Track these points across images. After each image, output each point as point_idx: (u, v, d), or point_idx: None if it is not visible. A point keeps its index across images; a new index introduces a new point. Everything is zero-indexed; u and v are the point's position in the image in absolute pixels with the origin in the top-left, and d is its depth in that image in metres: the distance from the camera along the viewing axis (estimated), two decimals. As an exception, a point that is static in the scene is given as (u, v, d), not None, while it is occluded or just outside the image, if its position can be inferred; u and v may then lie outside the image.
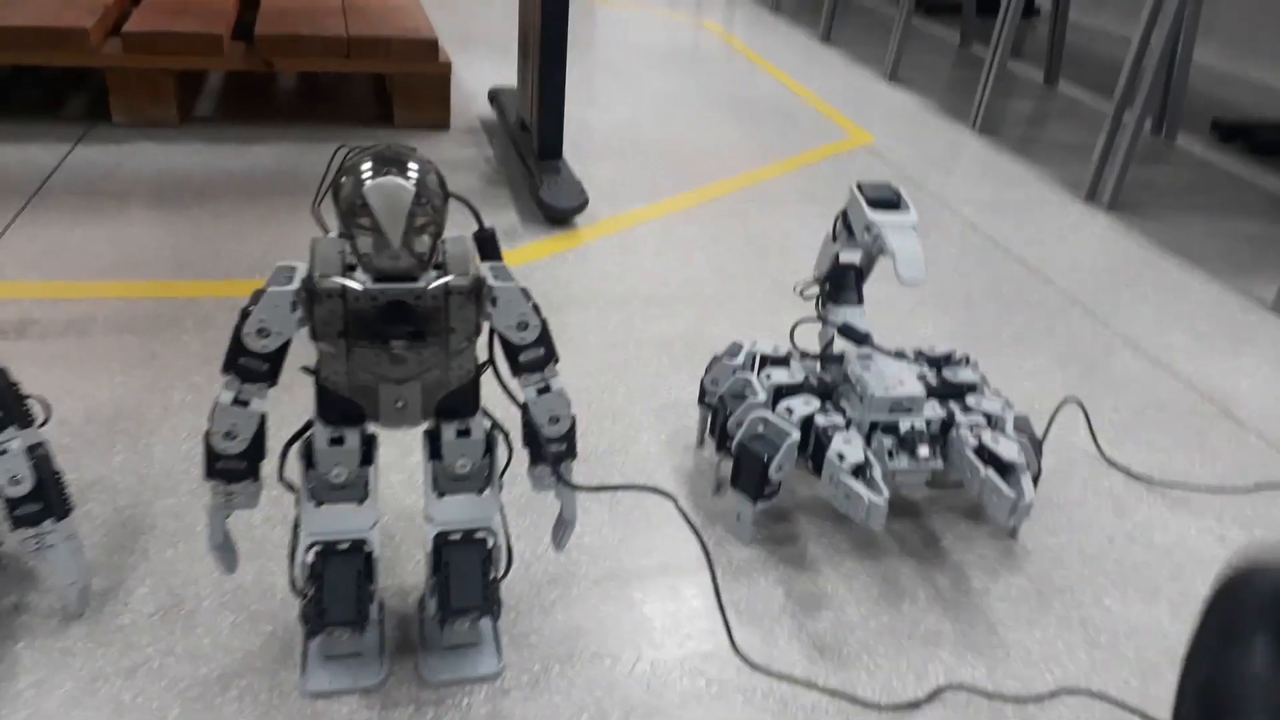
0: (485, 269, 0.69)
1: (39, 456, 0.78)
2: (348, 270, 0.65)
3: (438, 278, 0.66)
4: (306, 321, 0.66)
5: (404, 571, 0.91)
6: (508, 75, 2.23)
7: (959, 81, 2.88)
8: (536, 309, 0.70)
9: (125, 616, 0.83)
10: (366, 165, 0.61)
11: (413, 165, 0.62)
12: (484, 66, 2.48)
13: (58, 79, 2.04)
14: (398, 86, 1.97)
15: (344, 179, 0.61)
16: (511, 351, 0.71)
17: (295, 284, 0.64)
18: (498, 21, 2.92)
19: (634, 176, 1.89)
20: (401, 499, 1.00)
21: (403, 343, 0.66)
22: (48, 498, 0.78)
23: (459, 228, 0.72)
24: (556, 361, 0.73)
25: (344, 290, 0.64)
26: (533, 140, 1.73)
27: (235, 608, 0.85)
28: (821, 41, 3.22)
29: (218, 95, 2.10)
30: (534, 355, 0.71)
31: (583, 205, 1.64)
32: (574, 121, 2.14)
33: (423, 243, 0.64)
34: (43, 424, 0.81)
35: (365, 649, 0.81)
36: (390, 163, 0.61)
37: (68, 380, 1.12)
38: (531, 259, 1.53)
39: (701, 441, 1.13)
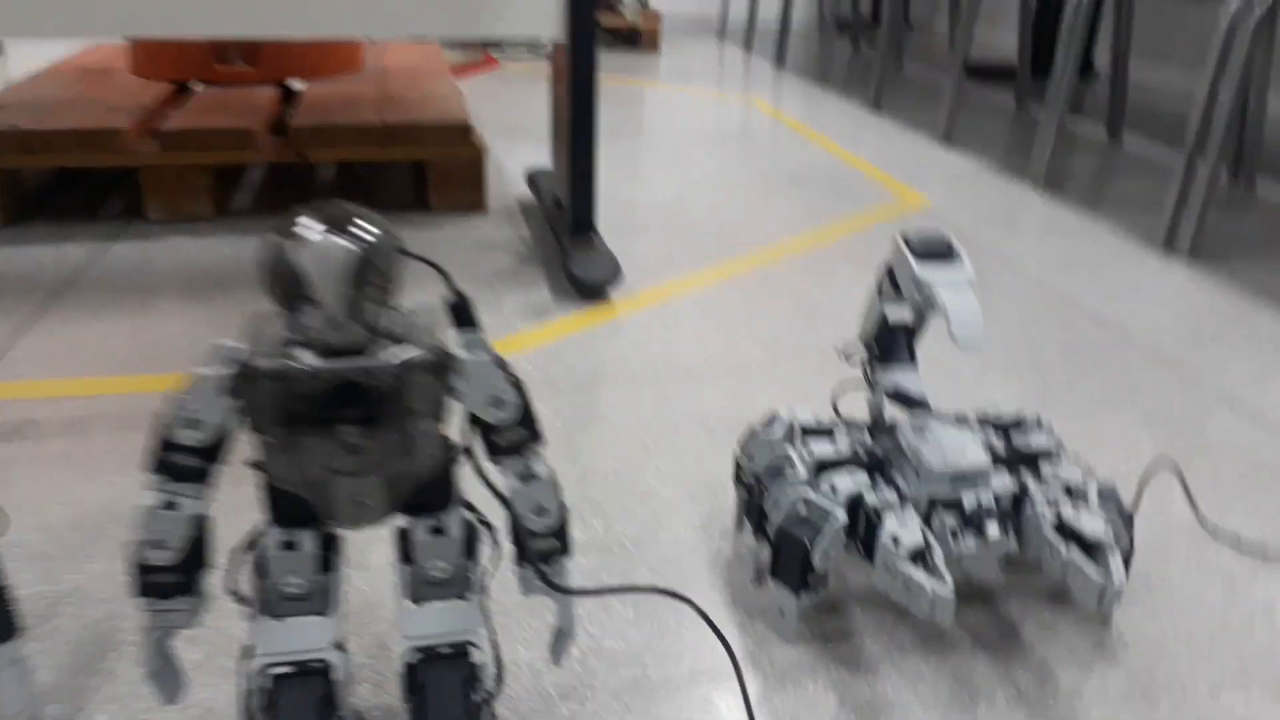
0: (453, 339, 0.60)
1: (-15, 570, 0.70)
2: (290, 347, 0.56)
3: (395, 353, 0.57)
4: (243, 409, 0.57)
5: (396, 687, 0.80)
6: (548, 160, 2.20)
7: (1017, 143, 2.76)
8: (516, 383, 0.61)
9: (82, 746, 0.74)
10: (299, 224, 0.53)
11: (357, 223, 0.53)
12: (526, 152, 2.45)
13: (101, 181, 2.06)
14: (433, 172, 1.93)
15: (272, 238, 0.53)
16: (487, 432, 0.61)
17: (228, 366, 0.56)
18: (541, 110, 2.92)
19: (675, 251, 1.81)
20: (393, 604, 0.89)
21: (354, 429, 0.57)
22: (-11, 617, 0.69)
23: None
24: (542, 443, 0.63)
25: (285, 370, 0.55)
26: (566, 216, 1.66)
27: (204, 733, 0.75)
28: (872, 111, 3.15)
29: (256, 189, 2.10)
30: (513, 437, 0.61)
31: (616, 277, 1.56)
32: (615, 201, 2.08)
33: (373, 312, 0.55)
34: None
35: (345, 780, 0.70)
36: (330, 222, 0.53)
37: (59, 484, 1.06)
38: (562, 335, 1.45)
39: (740, 526, 1.01)
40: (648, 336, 1.46)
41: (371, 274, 0.53)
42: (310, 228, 0.52)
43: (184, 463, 0.57)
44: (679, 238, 1.88)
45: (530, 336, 1.44)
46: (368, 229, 0.54)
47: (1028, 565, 0.95)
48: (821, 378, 1.34)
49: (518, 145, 2.53)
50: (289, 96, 2.24)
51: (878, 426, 0.95)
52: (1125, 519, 0.87)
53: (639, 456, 1.14)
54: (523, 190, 2.13)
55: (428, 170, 1.94)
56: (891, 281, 0.93)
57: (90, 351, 1.34)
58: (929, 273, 0.85)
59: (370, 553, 0.96)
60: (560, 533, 0.65)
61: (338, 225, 0.52)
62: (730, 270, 1.73)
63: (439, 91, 2.17)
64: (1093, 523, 0.82)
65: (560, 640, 0.70)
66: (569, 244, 1.62)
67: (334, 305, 0.52)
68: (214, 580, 0.66)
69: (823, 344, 1.45)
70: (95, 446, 1.12)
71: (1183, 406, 1.30)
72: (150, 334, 1.38)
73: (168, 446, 0.57)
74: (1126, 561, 0.88)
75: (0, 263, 1.64)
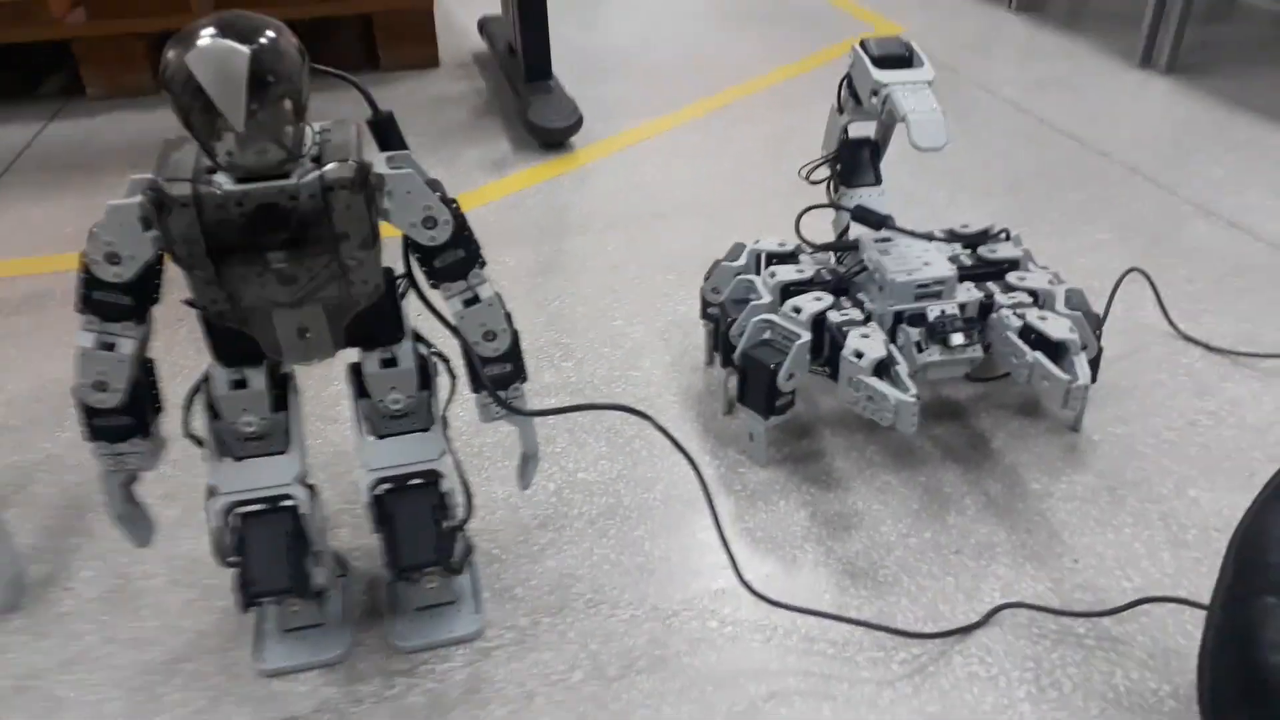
0: (378, 158, 0.57)
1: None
2: (206, 174, 0.54)
3: (314, 170, 0.54)
4: (162, 241, 0.54)
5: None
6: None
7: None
8: (448, 201, 0.58)
9: (66, 603, 0.75)
10: (195, 31, 0.49)
11: (255, 27, 0.50)
12: (478, 1, 2.34)
13: (35, 59, 1.97)
14: (380, 25, 1.85)
15: (170, 53, 0.49)
16: (425, 257, 0.59)
17: (141, 195, 0.53)
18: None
19: (638, 95, 1.75)
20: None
21: (281, 255, 0.54)
22: (-45, 482, 0.69)
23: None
24: (482, 265, 0.61)
25: (198, 195, 0.52)
26: (519, 63, 1.59)
27: (187, 584, 0.76)
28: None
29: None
30: (451, 259, 0.59)
31: (576, 125, 1.51)
32: (574, 46, 2.00)
33: (283, 126, 0.51)
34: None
35: (327, 619, 0.71)
36: (224, 27, 0.49)
37: (18, 358, 1.04)
38: (524, 186, 1.41)
39: (710, 359, 1.01)
40: (613, 182, 1.42)
41: (270, 78, 0.49)
42: (204, 34, 0.49)
43: (114, 300, 0.55)
44: (644, 80, 1.81)
45: (491, 189, 1.40)
46: (268, 32, 0.50)
47: (998, 376, 0.95)
48: (790, 210, 1.31)
49: (472, -3, 2.41)
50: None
51: (842, 247, 0.93)
52: (1093, 322, 0.87)
53: (607, 300, 1.13)
54: (477, 41, 2.04)
55: (375, 24, 1.85)
56: (852, 93, 0.90)
57: (39, 230, 1.30)
58: (888, 76, 0.82)
59: (341, 406, 0.95)
60: (513, 355, 0.63)
61: (233, 30, 0.49)
62: (698, 110, 1.67)
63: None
64: (1057, 325, 0.81)
65: (526, 464, 0.70)
66: (526, 93, 1.56)
67: (234, 114, 0.49)
68: (168, 423, 0.66)
69: (792, 177, 1.41)
70: (50, 321, 1.10)
71: (1159, 216, 1.28)
72: (97, 210, 1.33)
73: (93, 283, 0.55)
74: (1095, 364, 0.88)
75: (-61, 148, 1.58)
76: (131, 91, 1.76)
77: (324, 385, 0.97)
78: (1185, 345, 1.01)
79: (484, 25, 1.97)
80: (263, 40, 0.49)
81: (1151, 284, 1.06)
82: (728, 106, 1.69)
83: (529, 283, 1.15)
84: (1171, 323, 1.04)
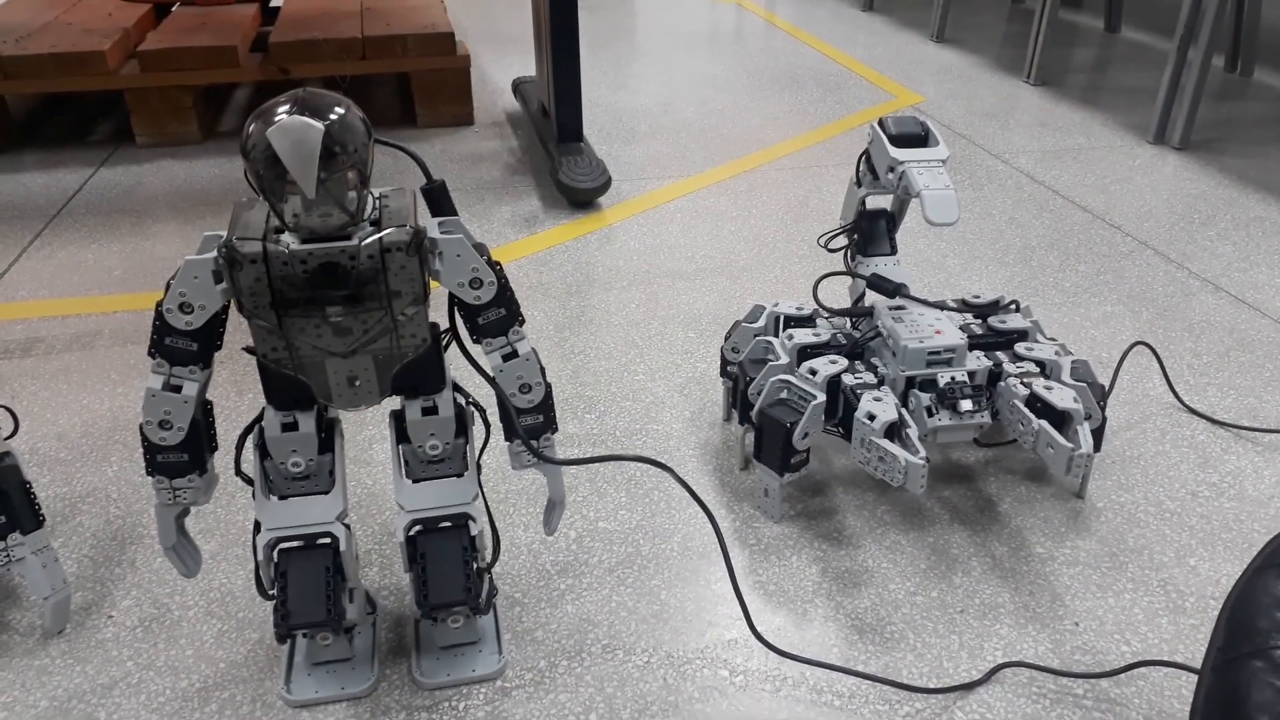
0: (431, 223, 0.62)
1: (3, 468, 0.73)
2: (275, 234, 0.59)
3: (373, 234, 0.59)
4: (231, 293, 0.59)
5: (402, 570, 0.84)
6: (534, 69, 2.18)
7: (1012, 37, 2.72)
8: (493, 264, 0.63)
9: (107, 630, 0.78)
10: (274, 108, 0.55)
11: (327, 105, 0.55)
12: (512, 62, 2.43)
13: (88, 107, 2.06)
14: (418, 84, 1.92)
15: (251, 126, 0.55)
16: (469, 314, 0.64)
17: (214, 251, 0.58)
18: (525, 19, 2.88)
19: (665, 156, 1.81)
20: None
21: (339, 309, 0.59)
22: (12, 510, 0.73)
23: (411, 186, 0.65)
24: (522, 322, 0.65)
25: (266, 253, 0.57)
26: (552, 124, 1.66)
27: (221, 616, 0.80)
28: (864, 10, 3.09)
29: (242, 111, 2.09)
30: (493, 316, 0.64)
31: (605, 185, 1.56)
32: (602, 107, 2.07)
33: (349, 193, 0.57)
34: (9, 435, 0.77)
35: (356, 654, 0.74)
36: (300, 104, 0.54)
37: (68, 394, 1.09)
38: (553, 244, 1.46)
39: (728, 416, 1.05)
40: (638, 242, 1.47)
41: (340, 150, 0.55)
42: (282, 111, 0.54)
43: (181, 346, 0.60)
44: (670, 143, 1.88)
45: (522, 245, 1.46)
46: (336, 110, 0.55)
47: (1005, 442, 0.99)
48: (809, 274, 1.36)
49: (504, 55, 2.50)
50: (269, 12, 2.22)
51: (857, 313, 0.97)
52: (1099, 393, 0.90)
53: (629, 355, 1.17)
54: (510, 101, 2.12)
55: (412, 83, 1.93)
56: (870, 168, 0.95)
57: (88, 272, 1.36)
58: (904, 154, 0.86)
59: (374, 450, 0.99)
60: (545, 408, 0.68)
61: (308, 107, 0.54)
62: (721, 174, 1.73)
63: (420, 2, 2.14)
64: (1062, 395, 0.85)
65: (552, 510, 0.74)
66: (558, 153, 1.62)
67: (306, 183, 0.54)
68: (219, 461, 0.70)
69: (812, 242, 1.46)
70: (99, 360, 1.16)
71: (1167, 290, 1.32)
72: (144, 254, 1.40)
73: (166, 330, 0.60)
74: (1099, 433, 0.91)
75: (-6, 189, 1.66)
76: (178, 141, 1.84)
77: (358, 429, 1.02)
78: (1189, 418, 1.04)
79: (518, 86, 2.04)
80: (333, 116, 0.55)
81: (1157, 357, 1.09)
82: (750, 172, 1.74)
83: (555, 337, 1.20)
84: (1176, 395, 1.07)
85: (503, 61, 2.45)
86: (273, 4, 2.26)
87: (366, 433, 1.02)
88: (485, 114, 2.04)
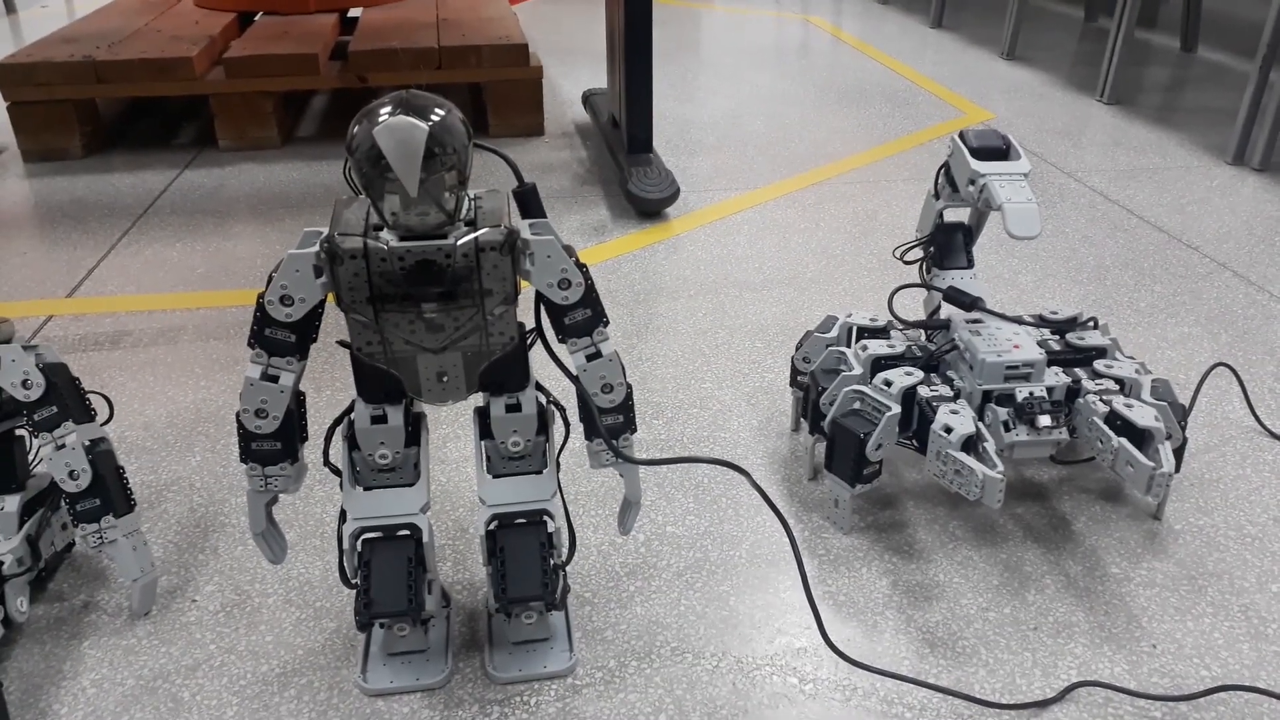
0: (523, 224, 0.64)
1: (99, 452, 0.76)
2: (374, 230, 0.61)
3: (468, 233, 0.60)
4: (330, 287, 0.61)
5: (475, 565, 0.86)
6: (604, 82, 2.20)
7: (1085, 55, 2.69)
8: (580, 266, 0.64)
9: (191, 614, 0.81)
10: (379, 108, 0.56)
11: (430, 106, 0.57)
12: (582, 74, 2.46)
13: (173, 112, 2.13)
14: (491, 94, 1.96)
15: (357, 126, 0.57)
16: (556, 314, 0.65)
17: (315, 247, 0.60)
18: (596, 32, 2.91)
19: (732, 168, 1.82)
20: (474, 487, 0.95)
21: (433, 305, 0.61)
22: (106, 494, 0.76)
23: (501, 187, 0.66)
24: (606, 324, 0.67)
25: (366, 249, 0.59)
26: (622, 135, 1.68)
27: (300, 604, 0.82)
28: (933, 27, 3.07)
29: (320, 118, 2.14)
30: (579, 317, 0.65)
31: (673, 196, 1.58)
32: (671, 119, 2.09)
33: (446, 193, 0.58)
34: (105, 421, 0.80)
35: (430, 646, 0.76)
36: (404, 105, 0.56)
37: (154, 385, 1.13)
38: (621, 252, 1.48)
39: (796, 425, 1.05)
40: (705, 252, 1.48)
41: (441, 151, 0.56)
42: (387, 111, 0.56)
43: (280, 338, 0.62)
44: (737, 155, 1.89)
45: (590, 254, 1.47)
46: (442, 111, 0.57)
47: (1082, 460, 0.97)
48: (878, 287, 1.36)
49: (574, 68, 2.54)
50: (348, 23, 2.27)
51: (933, 326, 0.97)
52: (1179, 412, 0.89)
53: (697, 363, 1.18)
54: (580, 113, 2.15)
55: (485, 93, 1.96)
56: (949, 180, 0.95)
57: (172, 269, 1.41)
58: (985, 167, 0.86)
59: (448, 448, 1.01)
60: (625, 408, 0.69)
61: (411, 107, 0.56)
62: (788, 187, 1.73)
63: (495, 14, 2.18)
64: (1143, 413, 0.83)
65: (628, 510, 0.75)
66: (627, 163, 1.63)
67: (409, 181, 0.56)
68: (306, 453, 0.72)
69: (881, 255, 1.46)
70: (184, 353, 1.19)
71: (1247, 312, 1.29)
72: (226, 253, 1.45)
73: (267, 321, 0.62)
74: (1179, 454, 0.89)
75: (83, 190, 1.72)
76: (258, 145, 1.90)
77: (433, 427, 1.04)
78: (1270, 442, 1.02)
79: (588, 98, 2.07)
80: (436, 117, 0.56)
81: (1239, 379, 1.07)
82: (817, 185, 1.74)
83: (623, 344, 1.21)
84: (1258, 418, 1.05)
85: (571, 74, 2.48)
86: (351, 14, 2.31)
87: (441, 431, 1.04)
88: (555, 125, 2.07)
